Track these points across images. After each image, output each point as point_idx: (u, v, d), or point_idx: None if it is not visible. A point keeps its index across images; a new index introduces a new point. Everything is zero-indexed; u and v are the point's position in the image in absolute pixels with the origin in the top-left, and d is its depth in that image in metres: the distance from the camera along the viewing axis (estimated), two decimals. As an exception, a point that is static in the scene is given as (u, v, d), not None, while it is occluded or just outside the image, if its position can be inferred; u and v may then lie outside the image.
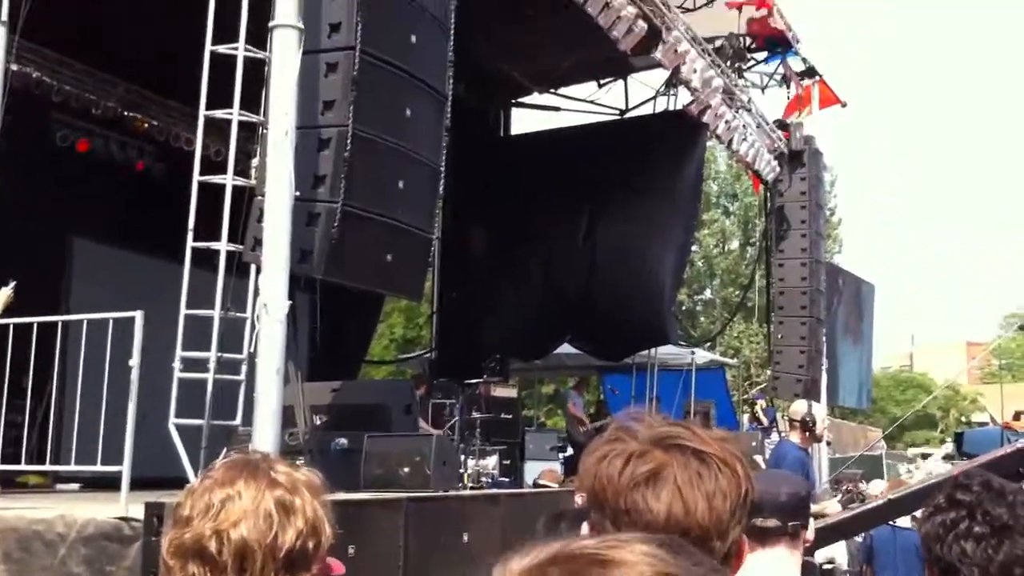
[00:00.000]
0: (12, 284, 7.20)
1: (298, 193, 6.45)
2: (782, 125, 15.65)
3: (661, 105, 16.24)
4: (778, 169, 15.31)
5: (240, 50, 7.07)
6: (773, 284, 16.00)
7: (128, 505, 5.83)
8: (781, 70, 15.60)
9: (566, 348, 17.95)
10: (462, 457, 10.34)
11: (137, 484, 6.16)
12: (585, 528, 1.52)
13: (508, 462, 13.52)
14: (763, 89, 15.80)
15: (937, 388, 44.31)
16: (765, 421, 18.54)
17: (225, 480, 1.70)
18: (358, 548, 6.07)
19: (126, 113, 12.60)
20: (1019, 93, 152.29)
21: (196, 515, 1.67)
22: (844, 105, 16.46)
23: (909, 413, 25.85)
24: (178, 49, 8.14)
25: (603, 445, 1.51)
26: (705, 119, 12.86)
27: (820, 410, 7.90)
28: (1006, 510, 2.21)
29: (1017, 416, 16.72)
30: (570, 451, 17.03)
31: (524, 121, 18.34)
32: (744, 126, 13.99)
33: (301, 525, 1.67)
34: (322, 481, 1.80)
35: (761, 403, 19.93)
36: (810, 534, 2.90)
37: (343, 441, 8.56)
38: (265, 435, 6.22)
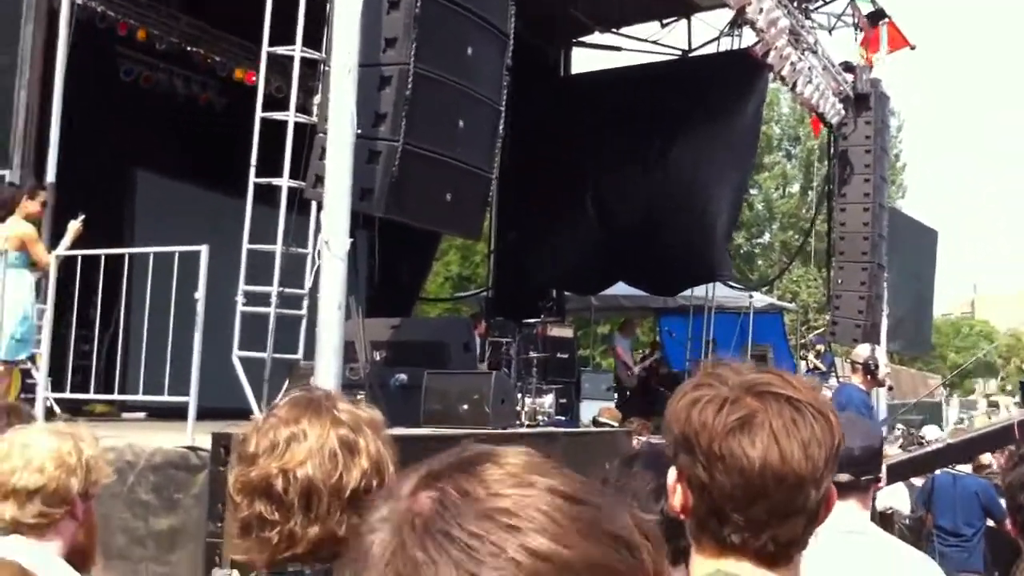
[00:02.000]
0: (81, 218, 7.34)
1: (359, 131, 6.46)
2: (848, 67, 15.31)
3: (725, 46, 15.99)
4: (843, 112, 15.04)
5: (303, -14, 7.08)
6: (834, 229, 15.81)
7: (195, 435, 5.97)
8: (850, 11, 15.25)
9: (623, 289, 17.92)
10: (519, 395, 10.42)
11: (201, 414, 6.30)
12: (672, 473, 1.53)
13: (564, 401, 13.58)
14: (830, 31, 15.46)
15: (999, 336, 43.65)
16: (823, 367, 18.42)
17: (290, 419, 1.71)
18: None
19: (189, 48, 12.64)
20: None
21: (262, 453, 1.68)
22: (913, 48, 16.07)
23: (970, 361, 25.52)
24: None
25: (692, 390, 1.51)
26: (770, 60, 12.64)
27: (881, 354, 7.86)
28: None
29: (1081, 366, 16.51)
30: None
31: (585, 61, 18.18)
32: (809, 68, 13.73)
33: (366, 465, 1.68)
34: (383, 419, 1.81)
35: (819, 347, 19.78)
36: (882, 485, 2.88)
37: (403, 377, 8.65)
38: (327, 369, 6.29)
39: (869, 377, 7.54)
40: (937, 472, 8.54)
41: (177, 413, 6.75)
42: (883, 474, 2.90)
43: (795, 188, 40.26)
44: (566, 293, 17.94)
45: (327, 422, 1.70)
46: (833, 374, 17.83)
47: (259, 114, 7.42)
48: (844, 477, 2.68)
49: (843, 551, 2.49)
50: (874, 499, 7.22)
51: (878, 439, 2.95)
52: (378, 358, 9.28)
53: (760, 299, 20.19)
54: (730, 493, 1.43)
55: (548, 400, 11.48)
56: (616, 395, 16.63)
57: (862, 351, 7.77)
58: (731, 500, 1.43)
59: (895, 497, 9.39)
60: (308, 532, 1.65)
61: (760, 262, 39.73)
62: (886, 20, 15.46)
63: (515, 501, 0.79)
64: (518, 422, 9.52)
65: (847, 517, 2.66)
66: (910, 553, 2.78)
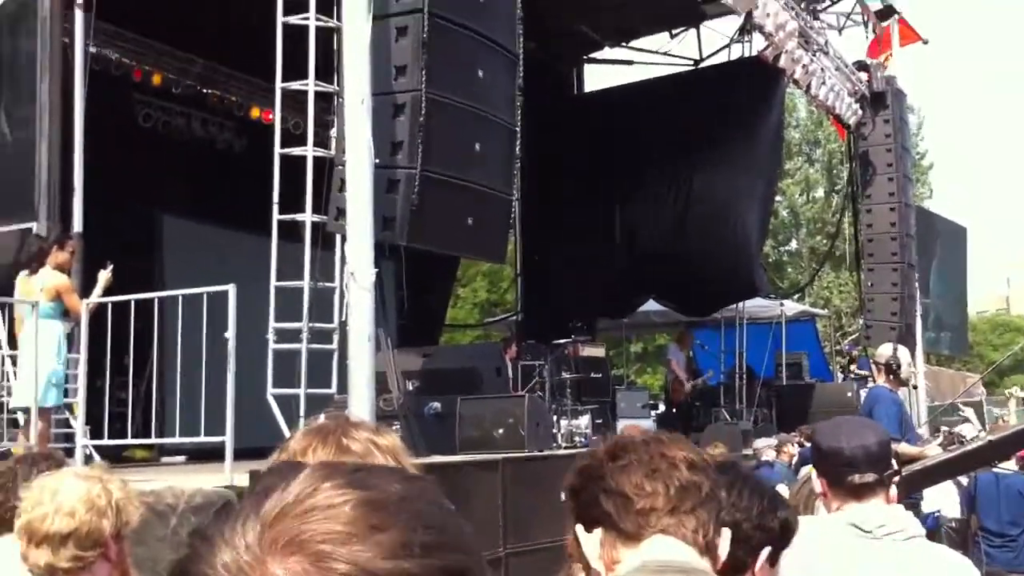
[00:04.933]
0: (110, 267, 7.39)
1: (377, 160, 6.49)
2: (862, 67, 15.26)
3: (736, 53, 15.98)
4: (860, 112, 14.98)
5: (311, 20, 7.15)
6: (861, 231, 15.71)
7: (233, 474, 5.98)
8: (859, 9, 15.21)
9: (652, 305, 17.84)
10: (554, 417, 10.37)
11: (240, 453, 6.30)
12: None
13: (600, 421, 13.53)
14: (840, 31, 15.44)
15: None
16: (864, 373, 18.21)
17: (297, 451, 1.70)
18: (457, 510, 6.13)
19: (205, 90, 12.79)
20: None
21: None
22: (926, 42, 16.02)
23: (1006, 356, 25.17)
24: (251, 23, 8.24)
25: None
26: (781, 64, 12.62)
27: (904, 354, 7.71)
28: None
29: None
30: (662, 408, 16.96)
31: (597, 76, 18.21)
32: (822, 69, 13.70)
33: None
34: (402, 445, 1.78)
35: (853, 353, 19.58)
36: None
37: (436, 405, 8.65)
38: (361, 401, 6.31)
39: (891, 377, 7.42)
40: (980, 472, 8.40)
41: (215, 454, 6.77)
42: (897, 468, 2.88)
43: (819, 192, 39.99)
44: (597, 314, 17.85)
45: (331, 452, 1.68)
46: (871, 378, 17.61)
47: (277, 151, 7.47)
48: (869, 477, 2.65)
49: (864, 551, 2.51)
50: (919, 501, 7.09)
51: (886, 433, 2.94)
52: (411, 388, 9.29)
53: (792, 307, 20.03)
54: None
55: (584, 421, 11.44)
56: (656, 410, 16.51)
57: (883, 351, 7.64)
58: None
59: (944, 499, 9.23)
60: None
61: (790, 269, 39.48)
62: (896, 16, 15.40)
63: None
64: (555, 444, 9.48)
65: (874, 516, 2.64)
66: (941, 553, 2.75)
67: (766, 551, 2.06)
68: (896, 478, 2.80)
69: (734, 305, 16.78)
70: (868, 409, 7.49)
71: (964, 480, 9.06)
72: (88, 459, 6.85)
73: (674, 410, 15.78)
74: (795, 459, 10.86)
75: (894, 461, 2.87)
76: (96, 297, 7.22)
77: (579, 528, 1.61)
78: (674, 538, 1.52)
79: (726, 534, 1.59)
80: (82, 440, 6.93)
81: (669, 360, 16.50)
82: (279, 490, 0.76)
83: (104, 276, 7.33)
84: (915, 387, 13.09)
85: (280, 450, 1.75)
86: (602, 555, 1.58)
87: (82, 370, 6.96)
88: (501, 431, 8.09)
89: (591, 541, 1.59)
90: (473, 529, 0.84)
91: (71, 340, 7.35)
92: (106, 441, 7.31)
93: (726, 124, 15.00)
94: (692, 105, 15.14)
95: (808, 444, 10.97)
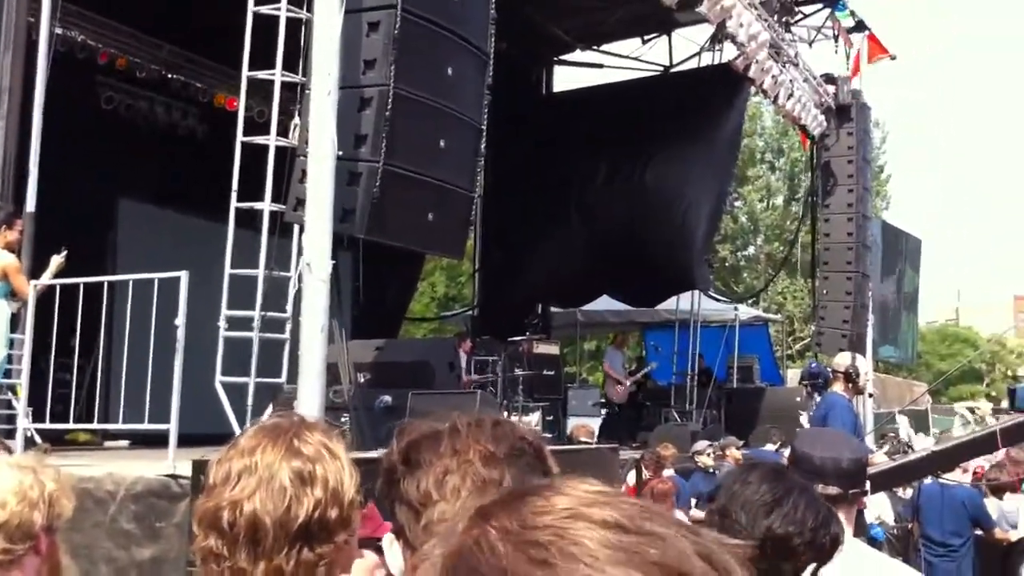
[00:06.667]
0: (64, 252, 7.26)
1: (340, 153, 6.45)
2: (830, 79, 15.42)
3: (706, 61, 16.09)
4: (825, 124, 15.14)
5: (282, 11, 7.09)
6: (819, 239, 15.87)
7: (176, 463, 5.91)
8: (830, 23, 15.32)
9: (608, 304, 17.92)
10: (505, 414, 10.38)
11: (185, 440, 6.22)
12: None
13: (551, 418, 13.56)
14: (811, 43, 15.54)
15: (983, 342, 43.80)
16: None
17: (246, 449, 1.65)
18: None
19: (170, 75, 12.63)
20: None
21: (218, 484, 1.64)
22: (893, 58, 16.15)
23: (955, 369, 25.58)
24: (221, 10, 8.14)
25: None
26: (751, 74, 12.72)
27: (863, 363, 7.81)
28: None
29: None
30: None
31: (567, 78, 18.22)
32: (791, 81, 13.82)
33: (320, 495, 1.60)
34: (346, 446, 1.72)
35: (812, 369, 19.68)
36: (866, 499, 2.85)
37: (387, 399, 8.62)
38: (310, 392, 6.28)
39: (850, 385, 7.49)
40: (925, 481, 8.50)
41: (160, 440, 6.67)
42: (867, 487, 2.88)
43: (779, 200, 40.34)
44: (552, 309, 17.92)
45: (281, 452, 1.63)
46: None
47: (239, 139, 7.39)
48: (833, 490, 2.63)
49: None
50: (862, 511, 7.17)
51: (865, 452, 2.92)
52: (362, 380, 9.25)
53: (745, 311, 20.20)
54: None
55: (534, 418, 11.47)
56: (604, 411, 16.57)
57: (842, 360, 7.72)
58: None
59: (879, 508, 9.36)
60: (254, 569, 1.58)
61: (745, 274, 39.75)
62: (866, 32, 15.54)
63: (553, 534, 0.74)
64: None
65: None
66: (893, 566, 2.76)
67: (811, 568, 2.00)
68: (862, 497, 2.79)
69: (688, 307, 16.89)
70: (822, 415, 7.54)
71: (899, 490, 9.17)
72: (29, 441, 6.74)
73: (616, 409, 15.82)
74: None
75: (868, 482, 2.86)
76: (46, 280, 7.11)
77: (386, 538, 1.47)
78: None
79: None
80: (23, 422, 6.82)
81: (604, 362, 16.59)
82: None
83: (56, 260, 7.22)
84: (871, 395, 13.25)
85: (230, 446, 1.69)
86: (405, 572, 1.42)
87: (27, 351, 6.83)
88: (451, 427, 8.05)
89: (393, 554, 1.45)
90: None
91: (16, 321, 7.23)
92: (48, 425, 7.19)
93: (686, 124, 15.31)
94: (655, 107, 15.34)
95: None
